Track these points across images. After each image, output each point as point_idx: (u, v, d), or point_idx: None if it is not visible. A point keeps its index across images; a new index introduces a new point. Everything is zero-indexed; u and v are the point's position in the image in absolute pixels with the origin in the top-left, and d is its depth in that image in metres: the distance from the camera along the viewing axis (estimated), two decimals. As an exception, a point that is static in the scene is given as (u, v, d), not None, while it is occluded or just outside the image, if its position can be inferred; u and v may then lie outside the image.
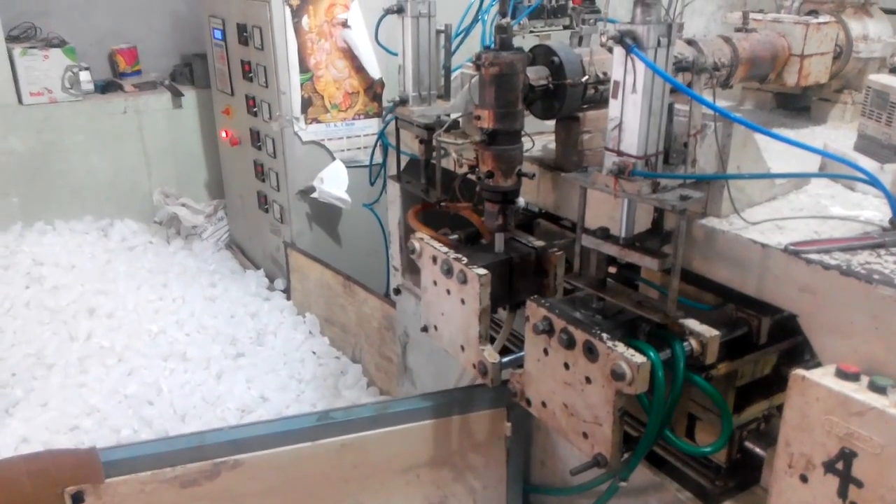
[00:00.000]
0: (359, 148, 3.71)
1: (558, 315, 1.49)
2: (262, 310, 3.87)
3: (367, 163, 3.59)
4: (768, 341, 1.63)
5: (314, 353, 3.55)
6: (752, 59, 2.19)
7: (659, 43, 1.38)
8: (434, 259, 1.87)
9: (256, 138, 3.93)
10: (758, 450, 1.62)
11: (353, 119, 3.69)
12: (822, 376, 1.31)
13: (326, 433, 2.07)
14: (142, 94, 4.87)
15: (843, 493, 1.28)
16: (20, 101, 4.48)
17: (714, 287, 1.68)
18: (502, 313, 1.97)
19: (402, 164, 2.54)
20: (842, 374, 1.29)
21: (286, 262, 3.87)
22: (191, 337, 3.68)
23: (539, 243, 1.87)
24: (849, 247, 1.43)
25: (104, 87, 4.86)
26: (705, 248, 1.59)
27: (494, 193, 1.84)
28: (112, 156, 4.80)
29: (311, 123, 3.61)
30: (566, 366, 1.48)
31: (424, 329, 1.99)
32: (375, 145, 2.66)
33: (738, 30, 2.28)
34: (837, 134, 2.32)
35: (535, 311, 1.53)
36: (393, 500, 2.20)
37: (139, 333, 3.69)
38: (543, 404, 1.58)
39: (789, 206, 1.68)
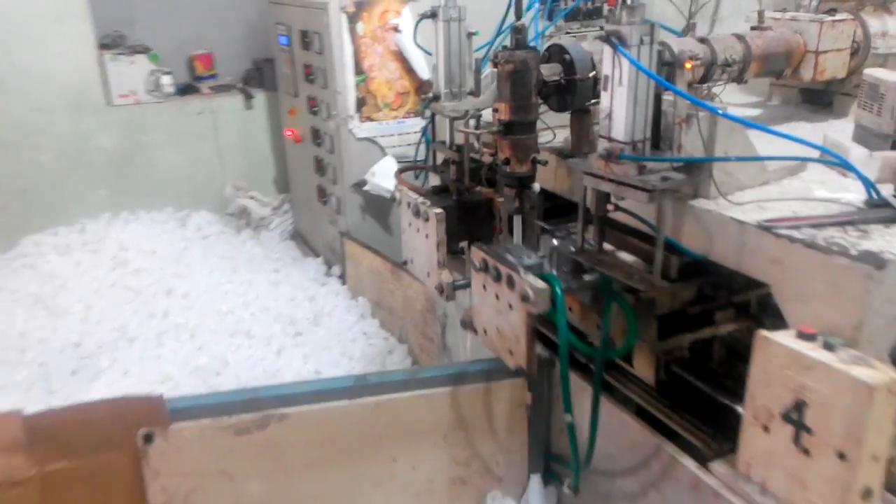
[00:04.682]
0: (409, 144, 3.96)
1: (491, 256, 1.78)
2: (320, 294, 4.17)
3: (419, 159, 3.83)
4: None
5: (365, 333, 3.81)
6: (765, 55, 2.31)
7: (641, 41, 1.56)
8: (408, 204, 2.31)
9: (316, 136, 4.23)
10: (687, 376, 1.80)
11: (404, 117, 3.95)
12: (783, 337, 1.46)
13: (362, 393, 2.28)
14: (217, 96, 5.26)
15: (797, 439, 1.43)
16: (110, 102, 4.92)
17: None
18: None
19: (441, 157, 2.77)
20: (801, 336, 1.45)
21: (342, 250, 4.16)
22: (255, 317, 4.00)
23: (490, 193, 2.27)
24: (819, 223, 1.57)
25: (183, 90, 5.26)
26: (693, 225, 1.75)
27: (511, 179, 2.04)
28: (189, 153, 5.20)
29: (364, 121, 3.88)
30: (497, 297, 1.76)
31: (404, 262, 2.45)
32: (420, 142, 2.88)
33: (753, 28, 2.41)
34: (853, 127, 2.41)
35: (476, 253, 1.85)
36: (423, 457, 2.39)
37: (210, 312, 4.03)
38: (485, 331, 1.86)
39: (778, 190, 1.82)
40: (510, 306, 1.67)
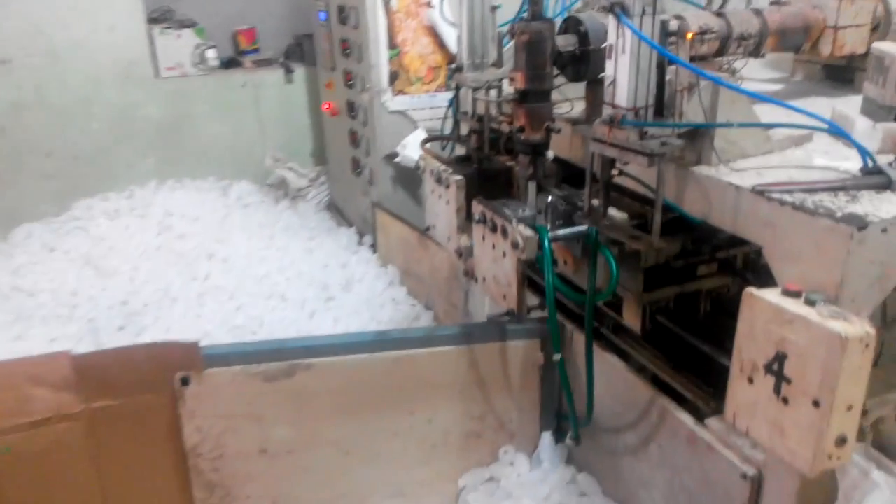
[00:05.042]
0: (440, 118, 4.06)
1: (489, 209, 1.95)
2: (351, 261, 4.31)
3: (447, 131, 3.94)
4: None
5: (393, 299, 3.94)
6: (782, 30, 2.35)
7: (644, 11, 1.64)
8: (431, 172, 2.41)
9: (351, 109, 4.36)
10: (670, 325, 1.91)
11: (436, 91, 4.05)
12: (768, 294, 1.55)
13: (383, 347, 2.40)
14: (259, 70, 5.40)
15: (777, 389, 1.52)
16: (157, 74, 5.10)
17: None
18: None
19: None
20: (786, 292, 1.53)
21: (373, 220, 4.31)
22: (290, 281, 4.16)
23: (509, 162, 2.33)
24: (810, 188, 1.64)
25: (227, 64, 5.42)
26: (694, 190, 1.83)
27: (526, 146, 2.14)
28: (232, 124, 5.36)
29: (397, 95, 4.00)
30: (493, 246, 1.93)
31: (427, 228, 2.57)
32: (446, 115, 2.99)
33: (772, 3, 2.45)
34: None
35: (476, 207, 2.03)
36: (439, 410, 2.49)
37: (248, 276, 4.19)
38: (484, 279, 2.02)
39: (780, 159, 1.88)
40: (504, 254, 1.80)
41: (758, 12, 2.31)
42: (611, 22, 1.68)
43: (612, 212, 1.85)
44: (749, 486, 1.76)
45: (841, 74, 2.71)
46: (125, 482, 2.32)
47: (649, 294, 1.82)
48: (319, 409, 2.40)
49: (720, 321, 1.94)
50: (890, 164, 1.65)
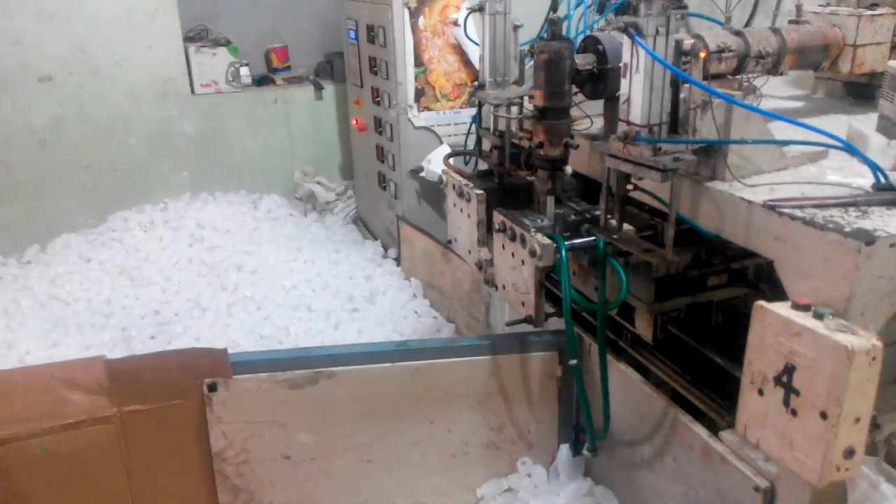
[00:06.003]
0: (464, 134, 4.13)
1: (508, 219, 2.03)
2: (376, 274, 4.38)
3: (470, 147, 4.01)
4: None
5: (416, 312, 3.99)
6: (801, 48, 2.38)
7: (657, 32, 1.69)
8: (453, 186, 2.48)
9: (378, 124, 4.46)
10: (682, 336, 1.95)
11: (461, 108, 4.13)
12: (778, 307, 1.57)
13: (403, 357, 2.45)
14: (290, 87, 5.53)
15: (786, 401, 1.54)
16: (193, 91, 5.25)
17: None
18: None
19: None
20: (796, 306, 1.56)
21: (398, 233, 4.38)
22: (316, 292, 4.24)
23: (529, 177, 2.37)
24: (821, 204, 1.67)
25: (259, 81, 5.55)
26: (708, 205, 1.87)
27: (544, 161, 2.20)
28: (263, 140, 5.49)
29: (422, 111, 4.08)
30: (512, 254, 1.99)
31: (449, 241, 2.63)
32: (469, 130, 3.05)
33: (791, 21, 2.48)
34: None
35: (496, 217, 2.10)
36: (458, 421, 2.53)
37: (275, 287, 4.28)
38: (503, 287, 2.09)
39: (794, 175, 1.91)
40: (522, 262, 1.86)
41: (776, 31, 2.34)
42: (625, 41, 1.73)
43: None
44: (762, 499, 1.77)
45: (861, 91, 2.72)
46: (153, 484, 2.39)
47: (660, 304, 1.86)
48: (342, 417, 2.46)
49: (734, 332, 1.97)
50: (902, 181, 1.67)
